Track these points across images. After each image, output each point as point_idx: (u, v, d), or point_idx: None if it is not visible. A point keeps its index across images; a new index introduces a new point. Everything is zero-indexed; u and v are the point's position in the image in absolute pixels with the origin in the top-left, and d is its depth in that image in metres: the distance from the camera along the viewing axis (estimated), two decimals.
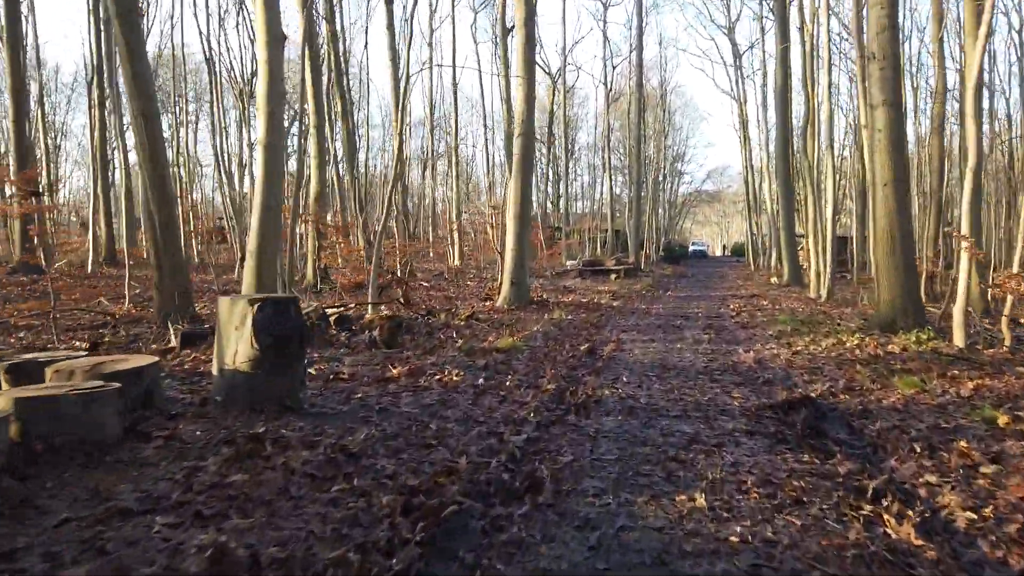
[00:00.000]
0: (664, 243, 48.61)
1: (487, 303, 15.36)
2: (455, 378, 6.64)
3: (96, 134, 25.11)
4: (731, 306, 17.29)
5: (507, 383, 6.67)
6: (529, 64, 14.70)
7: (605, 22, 41.61)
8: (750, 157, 41.19)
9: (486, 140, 37.34)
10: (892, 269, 10.32)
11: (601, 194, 46.20)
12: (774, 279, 27.85)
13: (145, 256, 14.72)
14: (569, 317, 13.22)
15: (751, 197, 41.07)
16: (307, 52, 17.86)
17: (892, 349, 8.85)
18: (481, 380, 6.72)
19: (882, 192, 10.35)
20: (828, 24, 19.11)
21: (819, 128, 19.42)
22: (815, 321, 12.47)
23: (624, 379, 7.15)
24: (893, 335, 9.99)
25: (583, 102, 49.19)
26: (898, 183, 10.25)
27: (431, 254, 37.27)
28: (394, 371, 6.60)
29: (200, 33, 47.17)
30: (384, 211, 11.52)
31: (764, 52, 32.59)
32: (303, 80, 19.33)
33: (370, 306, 10.38)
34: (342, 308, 9.51)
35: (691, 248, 59.94)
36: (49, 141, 33.84)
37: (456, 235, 32.57)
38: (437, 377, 6.70)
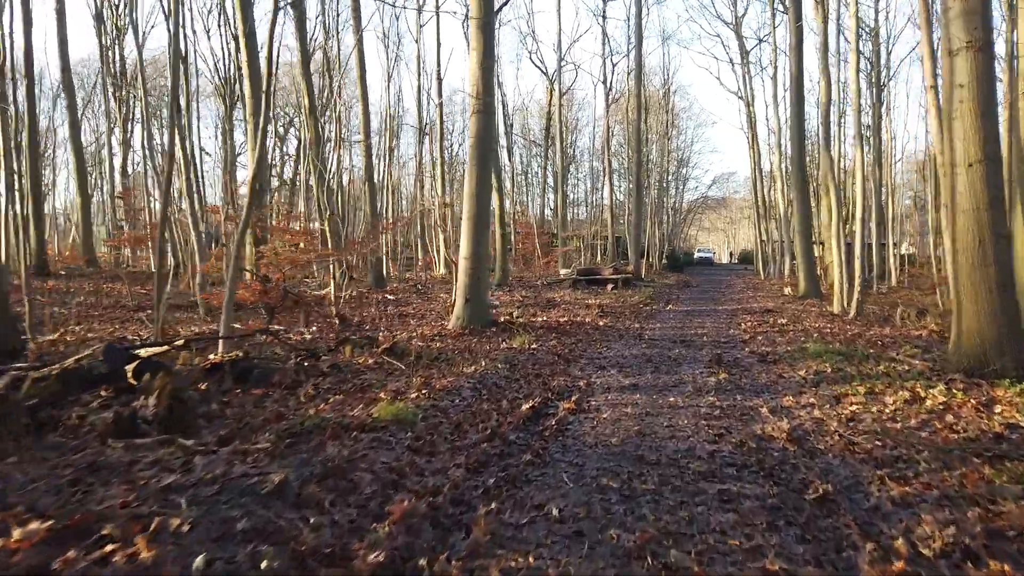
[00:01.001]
0: (668, 250, 45.28)
1: (444, 323, 12.17)
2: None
3: None
4: (743, 325, 13.99)
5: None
6: (483, 23, 11.47)
7: (604, 17, 38.32)
8: (759, 160, 37.82)
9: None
10: (981, 287, 6.98)
11: (602, 199, 42.98)
12: (787, 290, 24.46)
13: None
14: (535, 346, 9.95)
15: (760, 202, 37.69)
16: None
17: (1011, 416, 5.52)
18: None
19: (965, 176, 7.02)
20: None
21: (844, 118, 16.05)
22: (860, 353, 9.12)
23: (557, 509, 3.66)
24: (985, 381, 6.69)
25: (583, 105, 46.04)
26: (989, 163, 6.91)
27: (419, 263, 34.20)
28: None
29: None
30: (247, 203, 8.34)
31: (775, 44, 29.38)
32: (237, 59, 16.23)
33: (220, 342, 7.09)
34: (164, 345, 6.24)
35: (696, 255, 56.48)
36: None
37: (441, 242, 29.41)
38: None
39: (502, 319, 12.76)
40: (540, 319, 13.19)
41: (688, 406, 6.36)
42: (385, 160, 30.75)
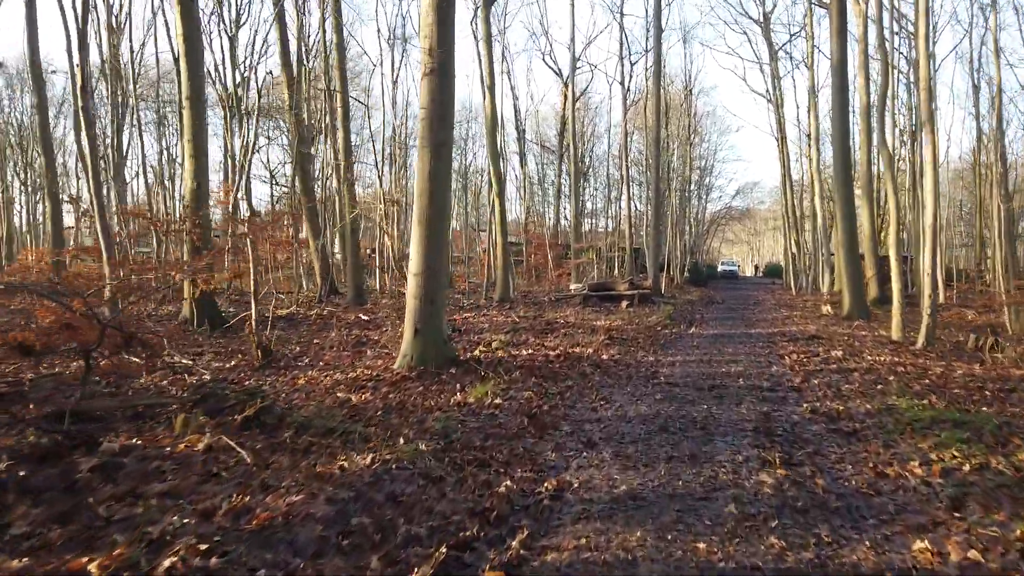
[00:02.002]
0: (690, 263, 41.90)
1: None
2: None
3: None
4: (787, 359, 10.78)
5: None
6: None
7: (622, 14, 35.49)
8: (788, 165, 34.45)
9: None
10: None
11: (619, 209, 39.79)
12: (826, 308, 21.07)
13: None
14: (499, 400, 6.81)
15: (790, 211, 34.24)
16: None
17: None
18: None
19: None
20: None
21: (917, 97, 12.80)
22: (987, 424, 5.88)
23: None
24: None
25: (599, 111, 42.94)
26: None
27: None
28: None
29: None
30: None
31: (811, 33, 26.11)
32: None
33: None
34: None
35: (720, 268, 52.82)
36: None
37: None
38: None
39: (477, 351, 9.69)
40: (525, 352, 10.06)
41: (727, 557, 3.24)
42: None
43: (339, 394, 6.84)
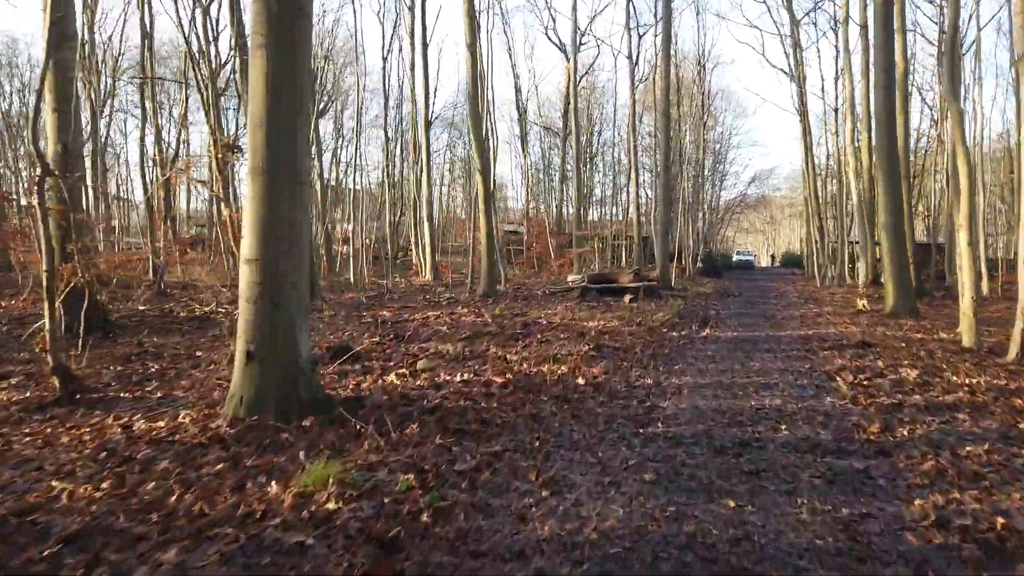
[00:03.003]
0: (703, 252, 38.37)
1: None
2: None
3: None
4: (839, 381, 7.47)
5: None
6: None
7: None
8: (811, 146, 30.85)
9: None
10: None
11: (627, 194, 36.28)
12: (862, 302, 17.63)
13: None
14: (332, 506, 3.61)
15: (812, 195, 30.64)
16: None
17: None
18: None
19: None
20: None
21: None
22: None
23: None
24: None
25: (605, 92, 39.33)
26: None
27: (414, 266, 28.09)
28: None
29: None
30: None
31: None
32: None
33: None
34: None
35: (735, 258, 49.06)
36: None
37: (427, 241, 23.24)
38: None
39: (381, 379, 6.46)
40: (463, 376, 6.75)
41: None
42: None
43: (62, 484, 3.67)
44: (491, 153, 30.38)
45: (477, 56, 16.89)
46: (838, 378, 7.65)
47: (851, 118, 18.48)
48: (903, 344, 10.55)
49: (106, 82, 25.12)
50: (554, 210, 37.54)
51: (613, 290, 19.27)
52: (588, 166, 42.13)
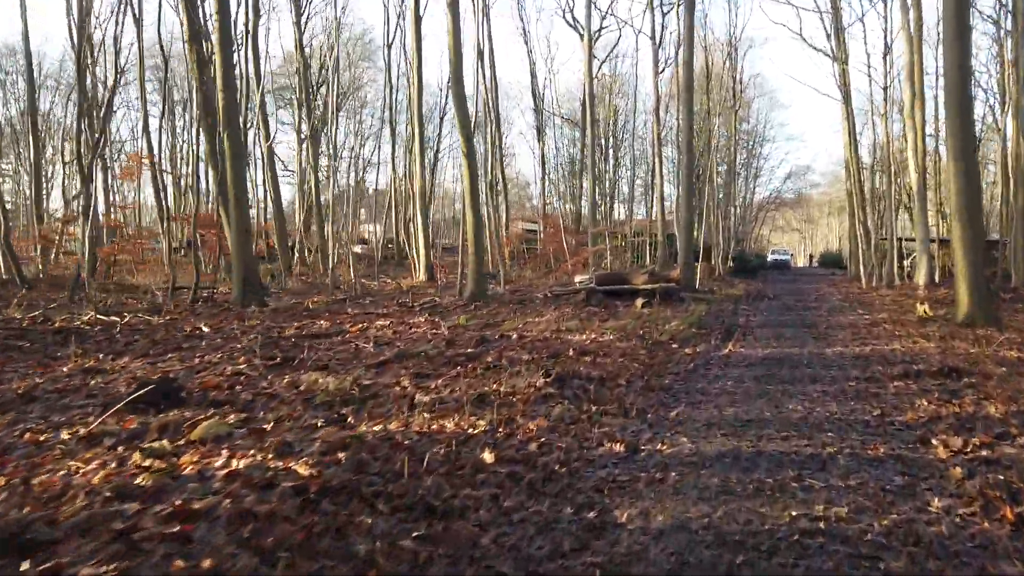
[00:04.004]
0: (735, 251, 34.81)
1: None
2: None
3: None
4: (935, 440, 4.40)
5: None
6: None
7: None
8: (854, 133, 27.22)
9: None
10: None
11: (651, 188, 32.90)
12: (922, 308, 14.22)
13: None
14: None
15: (856, 186, 26.95)
16: None
17: None
18: None
19: None
20: None
21: None
22: None
23: None
24: None
25: (628, 79, 35.92)
26: None
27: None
28: None
29: None
30: None
31: None
32: None
33: None
34: None
35: (770, 257, 45.04)
36: None
37: (420, 238, 20.43)
38: None
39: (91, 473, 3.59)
40: (246, 459, 3.78)
41: None
42: None
43: None
44: (500, 144, 27.57)
45: (458, 17, 13.99)
46: (934, 443, 4.54)
47: (909, 87, 15.00)
48: (1003, 369, 7.32)
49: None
50: (570, 207, 34.43)
51: (623, 292, 16.21)
52: (613, 160, 38.91)
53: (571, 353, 7.84)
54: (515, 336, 9.08)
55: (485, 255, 16.84)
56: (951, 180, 12.36)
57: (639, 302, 15.06)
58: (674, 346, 9.33)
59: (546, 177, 31.27)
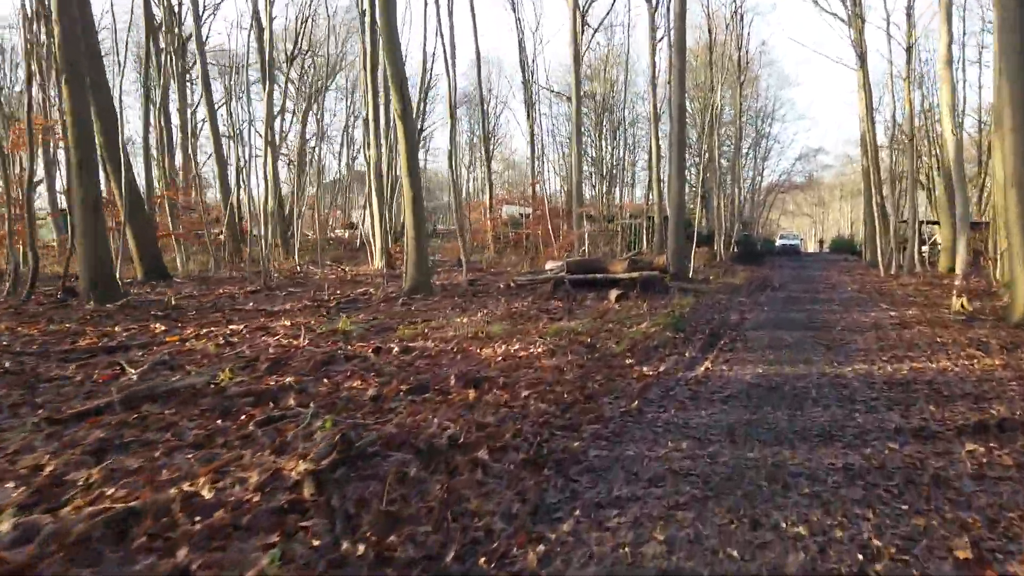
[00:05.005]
0: (741, 235, 31.55)
1: None
2: None
3: None
4: None
5: None
6: None
7: None
8: (870, 104, 23.90)
9: None
10: None
11: (648, 163, 29.64)
12: (959, 302, 11.14)
13: None
14: None
15: (874, 165, 23.66)
16: None
17: None
18: None
19: None
20: None
21: None
22: None
23: None
24: None
25: (623, 49, 32.43)
26: None
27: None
28: None
29: None
30: None
31: None
32: None
33: None
34: None
35: (779, 242, 41.35)
36: None
37: (376, 220, 17.55)
38: None
39: None
40: None
41: None
42: None
43: None
44: (484, 117, 24.26)
45: None
46: None
47: (947, 28, 11.85)
48: None
49: None
50: (558, 187, 31.36)
51: (598, 282, 13.29)
52: (611, 139, 35.69)
53: (452, 382, 4.98)
54: (397, 349, 6.20)
55: (460, 239, 13.99)
56: (1005, 154, 9.22)
57: (613, 294, 12.15)
58: (629, 362, 6.44)
59: (534, 156, 28.14)
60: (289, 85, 28.91)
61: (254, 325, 7.52)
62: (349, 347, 6.13)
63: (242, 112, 28.35)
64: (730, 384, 5.70)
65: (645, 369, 6.23)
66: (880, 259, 21.84)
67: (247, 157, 16.83)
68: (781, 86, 54.27)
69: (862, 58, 21.64)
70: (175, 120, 24.89)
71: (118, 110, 12.90)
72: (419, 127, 22.14)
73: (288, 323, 7.49)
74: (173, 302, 9.15)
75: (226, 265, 16.98)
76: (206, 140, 30.59)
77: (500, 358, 6.02)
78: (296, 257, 20.21)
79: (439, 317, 8.93)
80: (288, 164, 28.75)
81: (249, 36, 20.06)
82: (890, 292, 15.27)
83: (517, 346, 6.63)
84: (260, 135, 23.33)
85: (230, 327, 7.29)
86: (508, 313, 9.65)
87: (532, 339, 7.15)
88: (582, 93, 29.55)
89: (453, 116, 14.32)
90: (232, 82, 31.19)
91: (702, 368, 6.38)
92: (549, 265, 15.34)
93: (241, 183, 18.03)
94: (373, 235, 18.29)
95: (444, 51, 25.05)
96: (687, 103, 35.58)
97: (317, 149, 29.89)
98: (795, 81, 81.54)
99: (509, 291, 13.30)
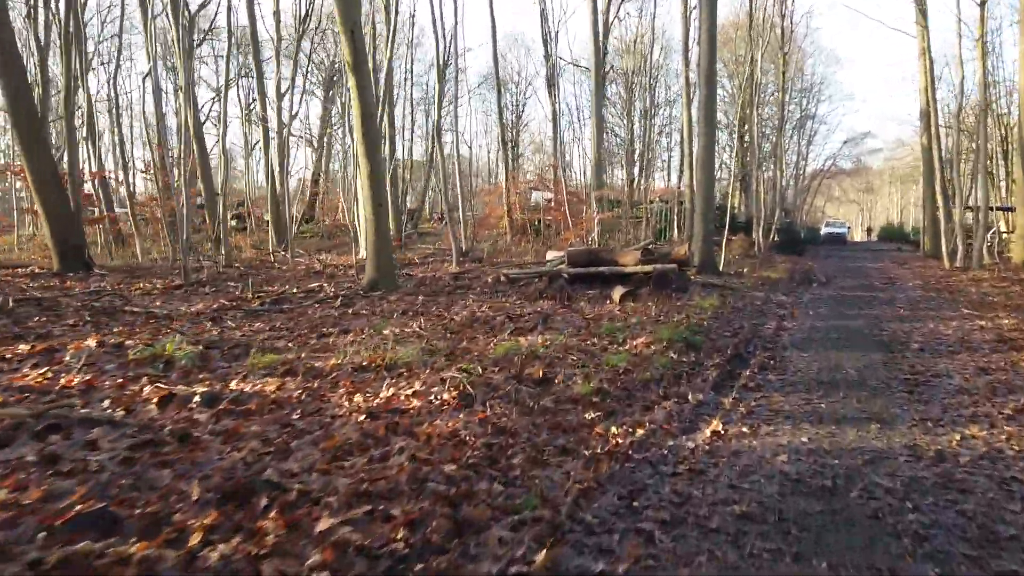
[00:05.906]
0: (782, 223, 28.20)
1: None
2: None
3: None
4: None
5: None
6: None
7: None
8: (931, 76, 20.52)
9: None
10: None
11: (682, 145, 26.56)
12: None
13: None
14: None
15: (935, 146, 20.27)
16: None
17: None
18: None
19: None
20: None
21: None
22: None
23: None
24: None
25: (649, 20, 29.24)
26: None
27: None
28: None
29: None
30: None
31: None
32: None
33: None
34: None
35: (824, 230, 37.46)
36: None
37: (362, 205, 15.28)
38: None
39: None
40: None
41: None
42: None
43: None
44: (499, 93, 20.99)
45: None
46: None
47: None
48: None
49: None
50: (578, 172, 28.57)
51: (604, 277, 10.71)
52: (643, 120, 32.62)
53: (194, 499, 2.57)
54: (199, 400, 3.81)
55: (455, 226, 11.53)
56: None
57: (617, 293, 9.60)
58: (591, 416, 3.96)
59: (557, 136, 25.38)
60: (303, 59, 26.76)
61: (53, 343, 5.23)
62: (119, 395, 3.76)
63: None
64: (750, 474, 3.16)
65: (614, 430, 3.75)
66: (945, 249, 18.58)
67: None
68: (828, 63, 49.93)
69: (923, 14, 18.31)
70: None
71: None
72: (438, 100, 19.42)
73: (93, 343, 5.12)
74: (11, 304, 6.96)
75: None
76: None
77: (364, 416, 3.59)
78: (290, 245, 18.13)
79: (365, 327, 6.54)
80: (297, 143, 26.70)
81: None
82: (963, 290, 12.30)
83: (417, 386, 4.19)
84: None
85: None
86: (467, 320, 7.21)
87: (454, 370, 4.69)
88: (608, 69, 26.69)
89: (441, 80, 11.83)
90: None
91: (708, 431, 3.84)
92: (550, 256, 12.79)
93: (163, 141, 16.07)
94: (356, 221, 16.01)
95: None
96: (725, 80, 32.33)
97: (329, 130, 27.76)
98: (843, 58, 76.07)
99: (495, 288, 10.86)
